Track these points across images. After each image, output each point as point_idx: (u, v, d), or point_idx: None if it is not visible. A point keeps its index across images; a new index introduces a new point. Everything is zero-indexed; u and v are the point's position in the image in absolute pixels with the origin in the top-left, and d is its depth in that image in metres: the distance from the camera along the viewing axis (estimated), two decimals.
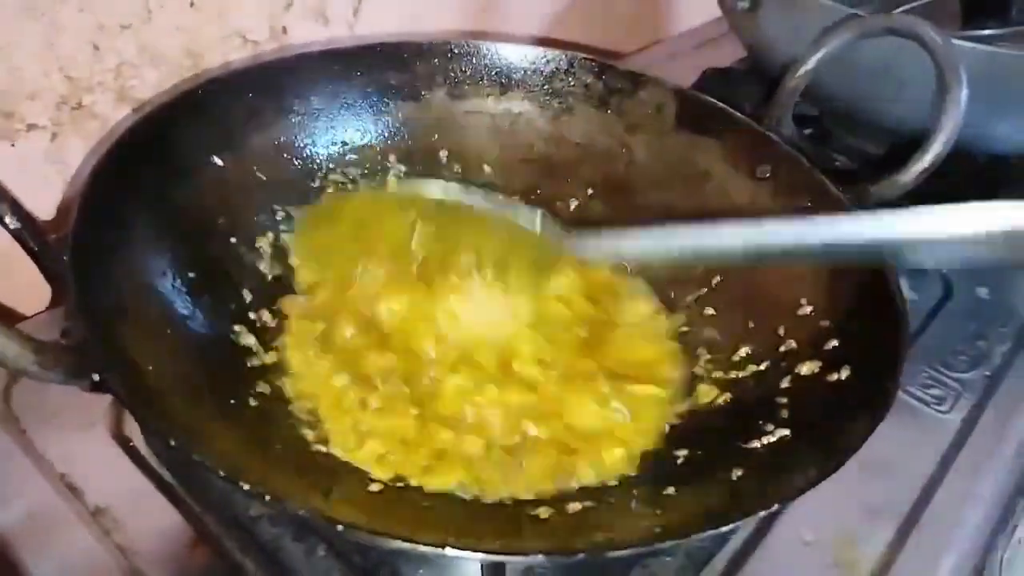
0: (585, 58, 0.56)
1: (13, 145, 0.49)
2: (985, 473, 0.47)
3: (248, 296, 0.47)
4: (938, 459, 0.48)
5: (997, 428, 0.50)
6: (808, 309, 0.46)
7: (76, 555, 0.39)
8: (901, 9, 0.74)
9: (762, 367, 0.45)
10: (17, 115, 0.48)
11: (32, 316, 0.52)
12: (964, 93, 0.48)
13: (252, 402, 0.42)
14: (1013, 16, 0.70)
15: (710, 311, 0.51)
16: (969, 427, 0.50)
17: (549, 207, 0.56)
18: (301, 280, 0.49)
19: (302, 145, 0.52)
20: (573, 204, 0.57)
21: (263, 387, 0.43)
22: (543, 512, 0.38)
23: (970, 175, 0.64)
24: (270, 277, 0.49)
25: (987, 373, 0.53)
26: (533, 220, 0.48)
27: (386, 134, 0.55)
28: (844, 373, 0.40)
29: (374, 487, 0.39)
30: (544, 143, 0.57)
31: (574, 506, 0.39)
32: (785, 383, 0.43)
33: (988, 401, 0.52)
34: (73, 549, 0.39)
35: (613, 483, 0.41)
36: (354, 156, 0.54)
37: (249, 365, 0.44)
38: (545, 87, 0.57)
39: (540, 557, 0.29)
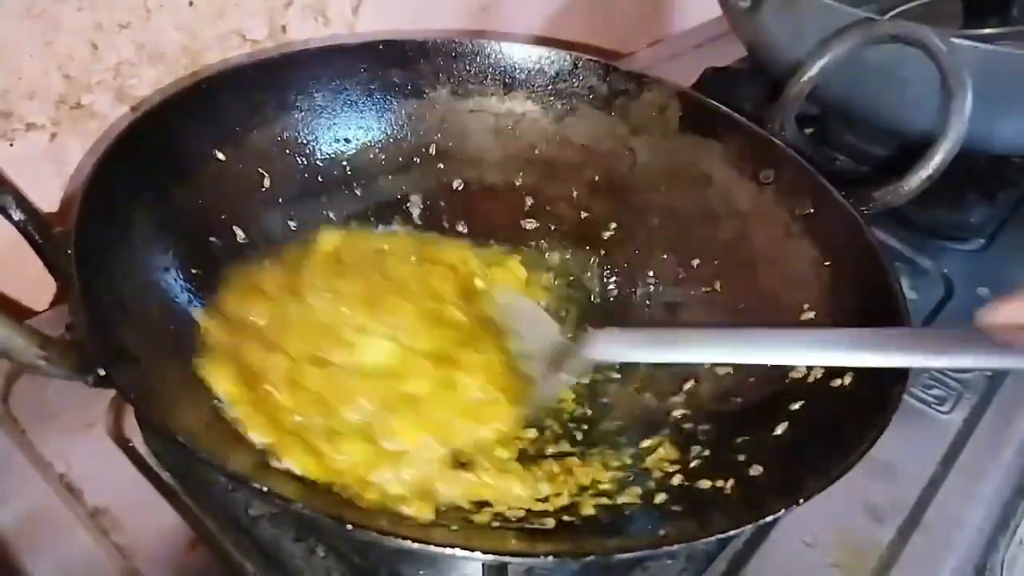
0: (590, 59, 0.56)
1: (12, 145, 0.48)
2: (986, 473, 0.48)
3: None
4: (939, 460, 0.48)
5: (998, 428, 0.50)
6: (811, 314, 0.46)
7: (75, 555, 0.39)
8: (901, 8, 0.74)
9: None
10: (16, 115, 0.48)
11: (39, 313, 0.52)
12: (968, 101, 0.48)
13: None
14: (1013, 15, 0.71)
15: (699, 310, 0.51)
16: (970, 427, 0.50)
17: (551, 208, 0.57)
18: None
19: (304, 142, 0.52)
20: (575, 206, 0.57)
21: None
22: (550, 521, 0.38)
23: (971, 175, 0.64)
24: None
25: (988, 373, 0.53)
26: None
27: (389, 132, 0.55)
28: (847, 379, 0.40)
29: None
30: (547, 144, 0.57)
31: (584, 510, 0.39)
32: (787, 388, 0.43)
33: (989, 401, 0.52)
34: (72, 549, 0.39)
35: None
36: (356, 153, 0.54)
37: None
38: (549, 88, 0.56)
39: (548, 558, 0.29)
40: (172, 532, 0.40)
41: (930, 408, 0.51)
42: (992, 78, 0.52)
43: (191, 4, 0.53)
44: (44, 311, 0.53)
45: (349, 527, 0.29)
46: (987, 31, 0.68)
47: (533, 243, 0.56)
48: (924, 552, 0.43)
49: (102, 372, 0.33)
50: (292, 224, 0.50)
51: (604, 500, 0.40)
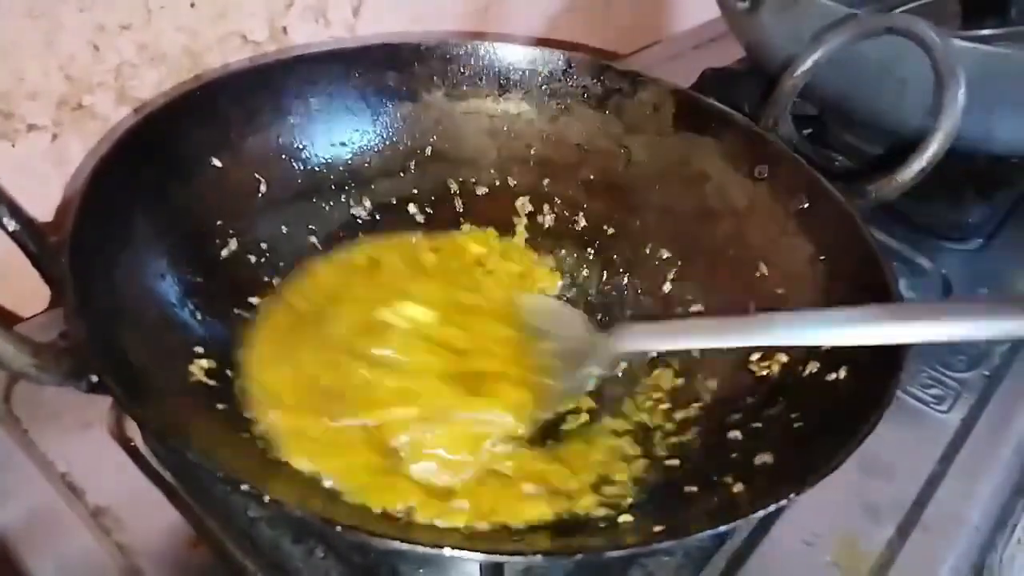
0: (583, 59, 0.56)
1: (13, 145, 0.49)
2: (984, 473, 0.48)
3: (253, 300, 0.47)
4: (937, 459, 0.48)
5: (996, 428, 0.50)
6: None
7: (76, 555, 0.39)
8: (901, 9, 0.74)
9: None
10: (17, 115, 0.48)
11: (30, 318, 0.52)
12: (962, 92, 0.48)
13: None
14: (1012, 16, 0.71)
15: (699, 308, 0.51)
16: (968, 427, 0.50)
17: (546, 208, 0.57)
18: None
19: (301, 146, 0.52)
20: (571, 205, 0.57)
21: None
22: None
23: (969, 175, 0.64)
24: (272, 280, 0.49)
25: (986, 373, 0.53)
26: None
27: (385, 135, 0.55)
28: (842, 373, 0.40)
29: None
30: (542, 144, 0.57)
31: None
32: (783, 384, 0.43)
33: (987, 401, 0.52)
34: (73, 549, 0.39)
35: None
36: (353, 157, 0.54)
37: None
38: (544, 88, 0.56)
39: (539, 557, 0.29)
40: (174, 531, 0.40)
41: (928, 407, 0.51)
42: (990, 78, 0.52)
43: (192, 5, 0.53)
44: (36, 315, 0.53)
45: (340, 528, 0.29)
46: (986, 32, 0.68)
47: (529, 243, 0.56)
48: (922, 551, 0.43)
49: (95, 378, 0.32)
50: (285, 229, 0.51)
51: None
